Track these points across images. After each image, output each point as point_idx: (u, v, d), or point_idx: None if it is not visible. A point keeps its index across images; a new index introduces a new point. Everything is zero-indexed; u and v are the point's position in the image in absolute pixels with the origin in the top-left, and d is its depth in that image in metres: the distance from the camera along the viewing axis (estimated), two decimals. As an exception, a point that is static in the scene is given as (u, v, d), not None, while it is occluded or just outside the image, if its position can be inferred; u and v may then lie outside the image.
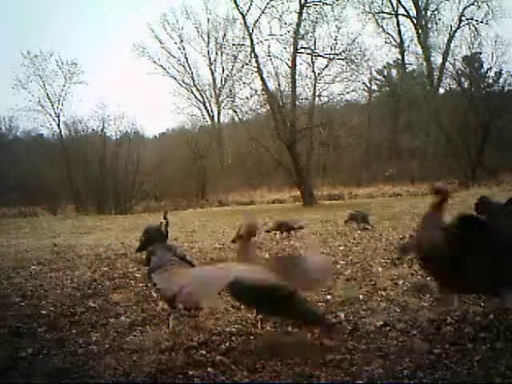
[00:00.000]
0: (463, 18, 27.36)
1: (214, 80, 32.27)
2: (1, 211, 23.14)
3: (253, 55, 20.24)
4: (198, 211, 21.03)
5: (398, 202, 16.72)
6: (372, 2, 28.09)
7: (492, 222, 3.07)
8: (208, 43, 31.29)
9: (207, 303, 3.80)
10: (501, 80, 25.89)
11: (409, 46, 29.26)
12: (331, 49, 20.39)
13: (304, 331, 3.26)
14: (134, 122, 36.28)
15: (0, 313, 4.16)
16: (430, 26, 28.11)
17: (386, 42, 29.12)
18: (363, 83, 27.88)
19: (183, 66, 31.79)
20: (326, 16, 20.06)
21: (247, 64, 20.59)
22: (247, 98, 20.89)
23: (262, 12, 19.92)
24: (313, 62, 20.83)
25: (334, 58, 20.46)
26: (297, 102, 20.72)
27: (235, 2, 20.20)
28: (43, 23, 45.22)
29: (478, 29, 26.68)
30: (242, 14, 20.30)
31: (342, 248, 6.71)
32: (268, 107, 20.47)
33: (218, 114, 32.41)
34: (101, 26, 47.26)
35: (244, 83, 20.96)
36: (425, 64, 28.20)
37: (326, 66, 20.79)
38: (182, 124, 34.39)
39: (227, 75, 28.51)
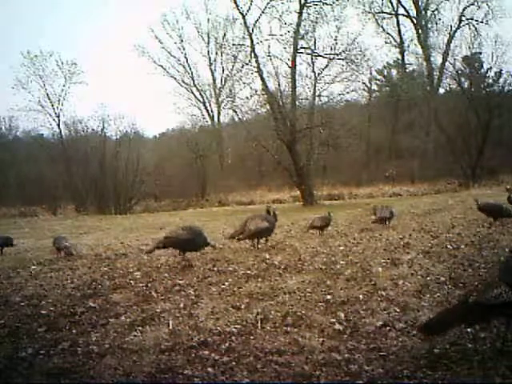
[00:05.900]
0: (463, 18, 27.45)
1: (214, 80, 32.32)
2: (1, 211, 23.13)
3: (253, 55, 20.20)
4: (197, 211, 21.02)
5: (398, 201, 16.69)
6: (372, 2, 28.17)
7: None
8: (208, 43, 31.37)
9: None
10: (501, 80, 26.03)
11: (409, 46, 29.35)
12: (331, 49, 20.37)
13: None
14: (134, 122, 36.36)
15: (0, 313, 4.15)
16: (430, 25, 28.19)
17: (386, 42, 29.19)
18: (363, 83, 27.90)
19: (183, 66, 31.85)
20: (326, 16, 20.04)
21: (247, 64, 20.55)
22: (247, 98, 20.86)
23: (262, 12, 19.89)
24: (313, 62, 20.80)
25: (334, 58, 20.43)
26: (297, 102, 20.70)
27: (235, 2, 20.18)
28: (43, 23, 45.29)
29: (478, 29, 26.80)
30: (241, 14, 20.27)
31: (341, 248, 6.68)
32: (268, 107, 20.43)
33: (218, 114, 32.45)
34: (101, 25, 47.39)
35: (244, 83, 20.94)
36: (425, 64, 28.24)
37: (326, 66, 20.76)
38: (182, 124, 34.52)
39: (227, 75, 28.53)
